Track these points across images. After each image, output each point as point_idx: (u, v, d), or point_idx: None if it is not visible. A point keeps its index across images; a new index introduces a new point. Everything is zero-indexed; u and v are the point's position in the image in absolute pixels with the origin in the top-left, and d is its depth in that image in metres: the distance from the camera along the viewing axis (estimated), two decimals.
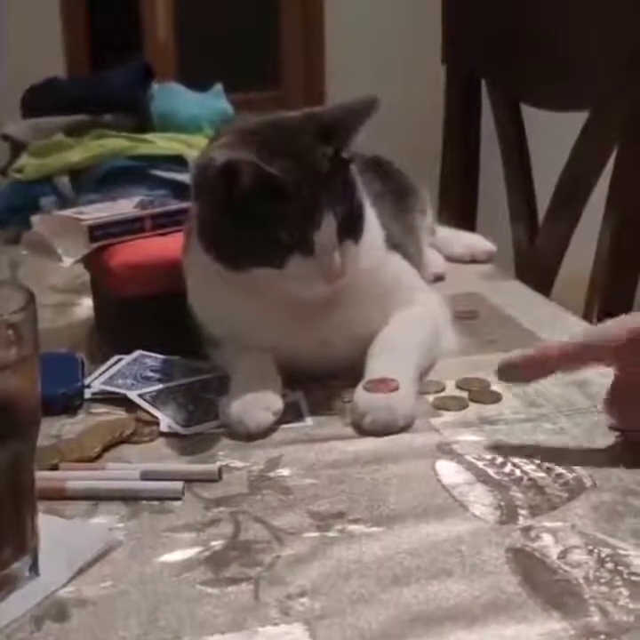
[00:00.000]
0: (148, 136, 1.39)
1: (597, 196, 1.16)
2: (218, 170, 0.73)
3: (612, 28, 1.12)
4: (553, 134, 1.45)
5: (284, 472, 0.67)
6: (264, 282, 0.76)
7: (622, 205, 1.11)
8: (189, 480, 0.65)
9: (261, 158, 0.72)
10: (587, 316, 1.08)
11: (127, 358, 0.83)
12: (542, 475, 0.65)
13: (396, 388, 0.73)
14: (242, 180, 0.73)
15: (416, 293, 0.86)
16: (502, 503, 0.61)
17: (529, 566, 0.55)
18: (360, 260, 0.78)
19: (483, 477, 0.65)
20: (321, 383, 0.79)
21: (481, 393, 0.78)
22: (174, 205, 0.95)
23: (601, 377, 0.79)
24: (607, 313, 1.07)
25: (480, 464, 0.67)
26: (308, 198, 0.73)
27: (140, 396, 0.76)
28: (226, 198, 0.74)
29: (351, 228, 0.76)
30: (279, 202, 0.73)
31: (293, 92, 3.60)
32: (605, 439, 0.70)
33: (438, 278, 1.06)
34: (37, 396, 0.53)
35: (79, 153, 1.34)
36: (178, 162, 1.33)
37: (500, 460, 0.67)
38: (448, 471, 0.66)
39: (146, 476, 0.65)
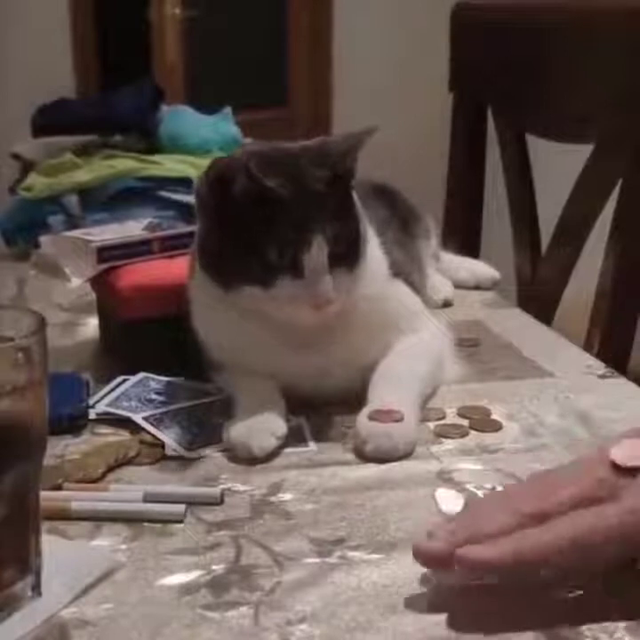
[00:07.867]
0: (157, 157, 1.40)
1: (603, 223, 1.17)
2: (212, 175, 0.74)
3: (611, 67, 1.13)
4: (557, 163, 1.47)
5: (286, 497, 0.67)
6: (254, 302, 0.76)
7: (625, 240, 1.12)
8: (191, 503, 0.65)
9: (255, 168, 0.72)
10: (588, 346, 1.09)
11: (132, 380, 0.84)
12: None
13: (401, 420, 0.73)
14: (234, 186, 0.73)
15: (419, 321, 0.86)
16: None
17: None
18: (358, 287, 0.77)
19: None
20: (324, 409, 0.79)
21: (482, 421, 0.78)
22: (182, 228, 0.96)
23: (601, 409, 0.80)
24: (608, 346, 1.09)
25: (479, 493, 0.67)
26: (300, 218, 0.73)
27: (145, 418, 0.77)
28: (219, 207, 0.75)
29: (346, 255, 0.76)
30: (270, 217, 0.73)
31: (300, 112, 3.62)
32: None
33: (446, 303, 1.07)
34: (45, 420, 0.54)
35: (88, 173, 1.35)
36: (186, 184, 1.34)
37: (499, 489, 0.67)
38: (448, 499, 0.66)
39: (148, 497, 0.66)
